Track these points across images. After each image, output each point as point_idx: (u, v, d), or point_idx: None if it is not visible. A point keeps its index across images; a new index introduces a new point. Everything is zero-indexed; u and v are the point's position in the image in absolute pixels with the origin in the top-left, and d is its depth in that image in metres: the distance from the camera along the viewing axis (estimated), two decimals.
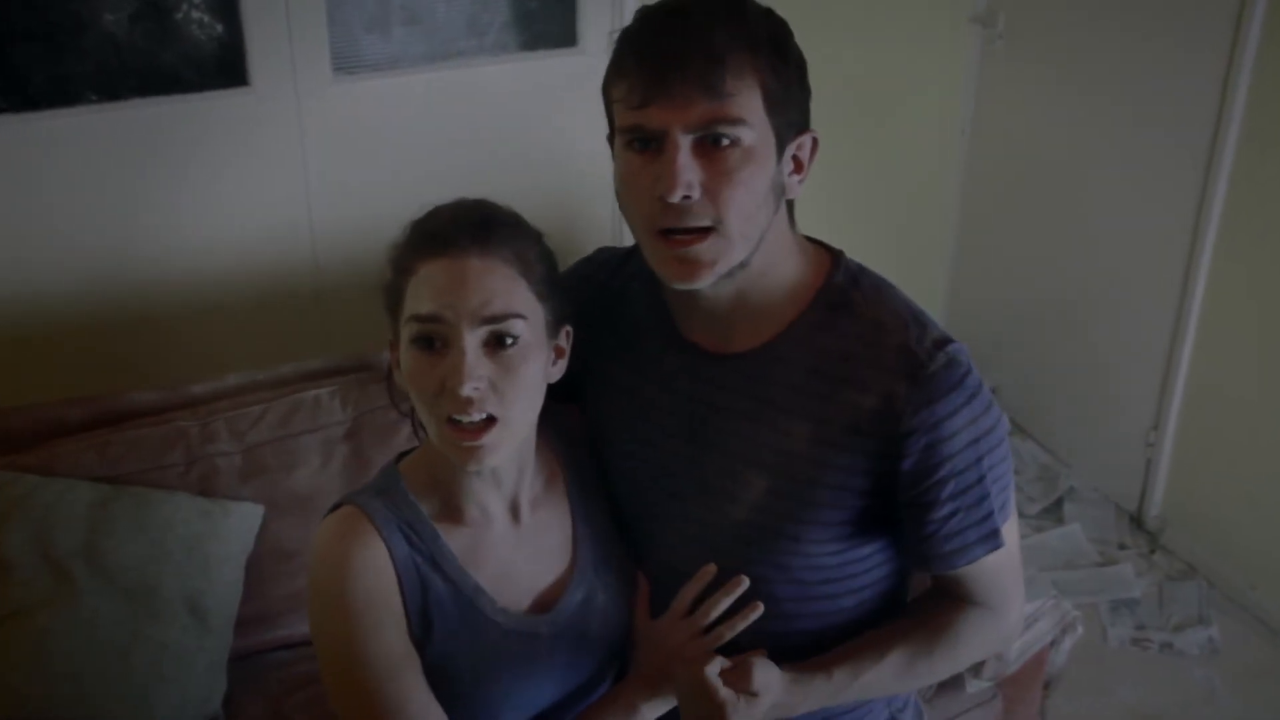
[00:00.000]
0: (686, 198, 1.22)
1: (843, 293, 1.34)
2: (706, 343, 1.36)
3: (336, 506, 1.34)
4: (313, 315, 2.97)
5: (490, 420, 1.25)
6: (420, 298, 1.26)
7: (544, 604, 1.37)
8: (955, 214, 3.75)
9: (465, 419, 1.24)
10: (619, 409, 1.42)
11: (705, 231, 1.24)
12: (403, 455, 1.41)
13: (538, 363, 1.28)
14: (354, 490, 1.37)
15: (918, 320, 1.32)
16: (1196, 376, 3.06)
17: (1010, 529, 1.37)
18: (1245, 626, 2.94)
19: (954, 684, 2.16)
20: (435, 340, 1.25)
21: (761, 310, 1.33)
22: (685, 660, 1.33)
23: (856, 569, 1.38)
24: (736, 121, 1.22)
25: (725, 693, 1.29)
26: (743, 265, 1.28)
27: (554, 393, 1.34)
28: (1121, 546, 3.19)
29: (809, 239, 1.40)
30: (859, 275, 1.37)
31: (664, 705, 1.39)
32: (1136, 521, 3.27)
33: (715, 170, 1.23)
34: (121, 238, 2.76)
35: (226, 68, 2.78)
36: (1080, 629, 2.27)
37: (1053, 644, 2.25)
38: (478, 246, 1.26)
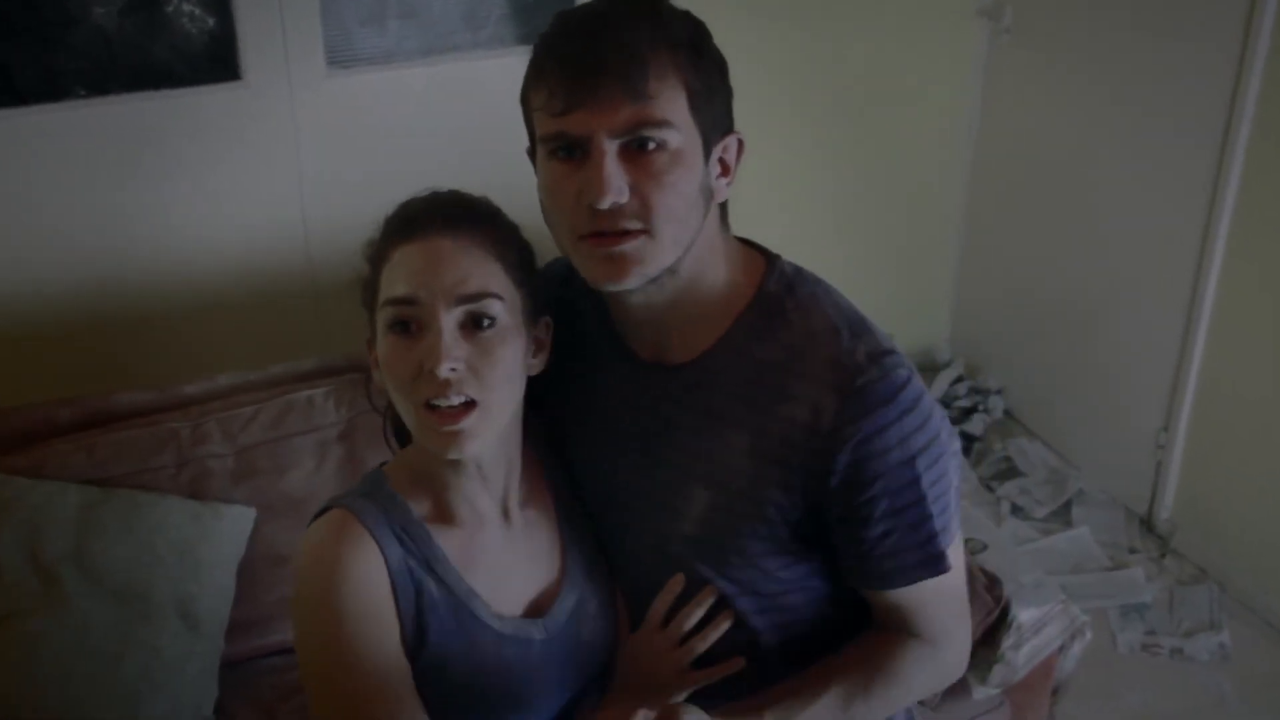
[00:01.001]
0: (616, 204, 1.21)
1: (776, 300, 1.32)
2: (648, 355, 1.36)
3: (323, 510, 1.33)
4: (306, 314, 2.97)
5: (469, 404, 1.24)
6: (395, 281, 1.26)
7: (537, 608, 1.37)
8: (961, 211, 3.75)
9: (443, 402, 1.23)
10: (575, 422, 1.42)
11: (634, 233, 1.23)
12: (384, 464, 1.40)
13: (516, 348, 1.28)
14: (339, 494, 1.36)
15: (854, 330, 1.30)
16: (1208, 376, 3.06)
17: (955, 554, 1.34)
18: (1257, 632, 2.94)
19: (961, 690, 2.16)
20: (411, 324, 1.25)
21: (696, 319, 1.32)
22: (658, 682, 1.34)
23: (815, 581, 1.37)
24: (662, 124, 1.21)
25: None
26: (671, 271, 1.27)
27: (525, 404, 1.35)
28: (1131, 550, 3.19)
29: (743, 241, 1.39)
30: (794, 281, 1.35)
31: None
32: (1146, 525, 3.27)
33: (643, 174, 1.22)
34: (111, 235, 2.76)
35: (218, 61, 2.78)
36: (1089, 634, 2.27)
37: (1061, 649, 2.25)
38: (451, 228, 1.27)
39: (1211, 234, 2.96)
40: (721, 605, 1.37)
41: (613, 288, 1.27)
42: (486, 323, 1.25)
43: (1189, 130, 2.98)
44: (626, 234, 1.23)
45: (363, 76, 2.90)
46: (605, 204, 1.21)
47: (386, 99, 2.92)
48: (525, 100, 1.29)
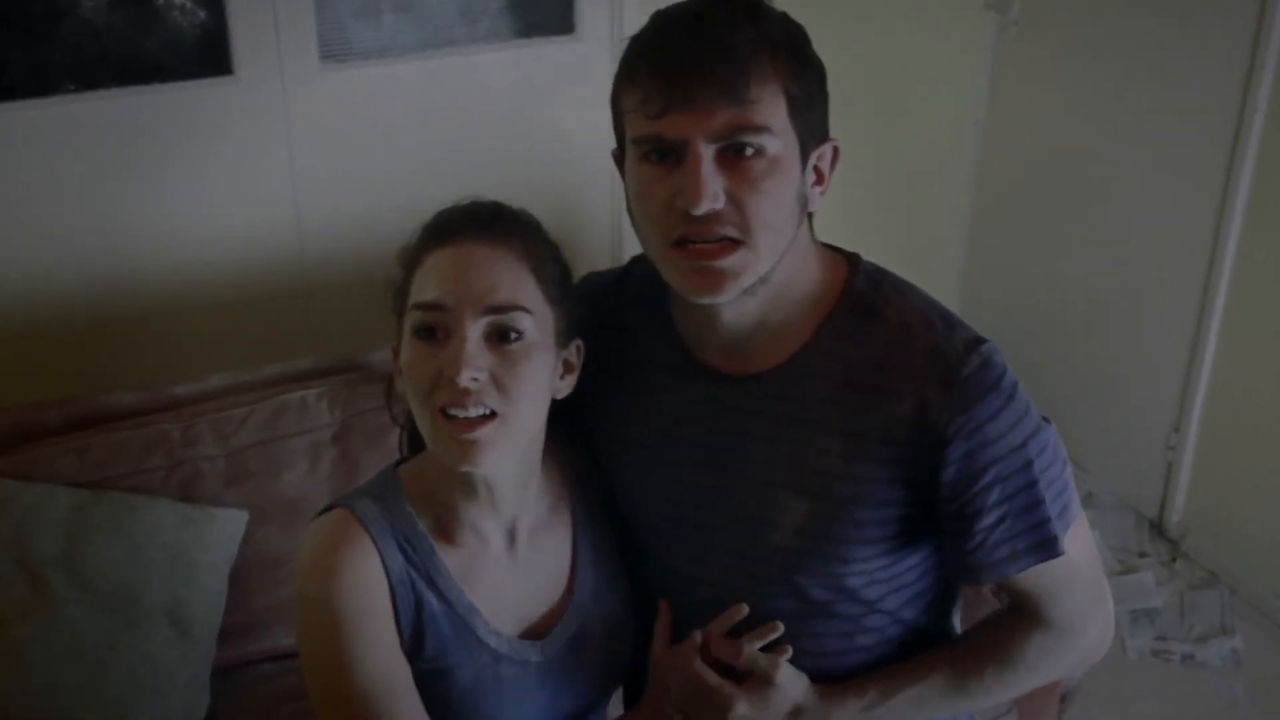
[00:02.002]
0: (712, 209, 1.20)
1: (865, 297, 1.32)
2: (724, 365, 1.34)
3: (329, 509, 1.33)
4: (300, 313, 2.97)
5: (489, 415, 1.24)
6: (424, 286, 1.26)
7: (537, 631, 1.37)
8: (968, 209, 3.75)
9: (460, 413, 1.23)
10: (628, 447, 1.40)
11: (732, 244, 1.22)
12: (401, 461, 1.40)
13: (543, 366, 1.27)
14: (347, 493, 1.36)
15: (946, 321, 1.31)
16: (1219, 377, 3.06)
17: (1076, 538, 1.33)
18: (1270, 637, 2.95)
19: None
20: (437, 330, 1.25)
21: (783, 325, 1.31)
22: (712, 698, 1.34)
23: (911, 575, 1.37)
24: (761, 129, 1.20)
25: (715, 680, 1.31)
26: (764, 280, 1.26)
27: (556, 423, 1.34)
28: (1141, 554, 3.20)
29: (823, 244, 1.39)
30: (879, 278, 1.35)
31: None
32: (1157, 528, 3.27)
33: (740, 180, 1.21)
34: (100, 233, 2.76)
35: (210, 56, 2.78)
36: None
37: None
38: (486, 234, 1.27)
39: (1223, 231, 2.96)
40: (804, 619, 1.36)
41: (708, 300, 1.25)
42: (514, 336, 1.24)
43: (1200, 125, 2.98)
44: (723, 248, 1.22)
45: (357, 71, 2.91)
46: (701, 209, 1.20)
47: (381, 94, 2.92)
48: (616, 101, 1.27)
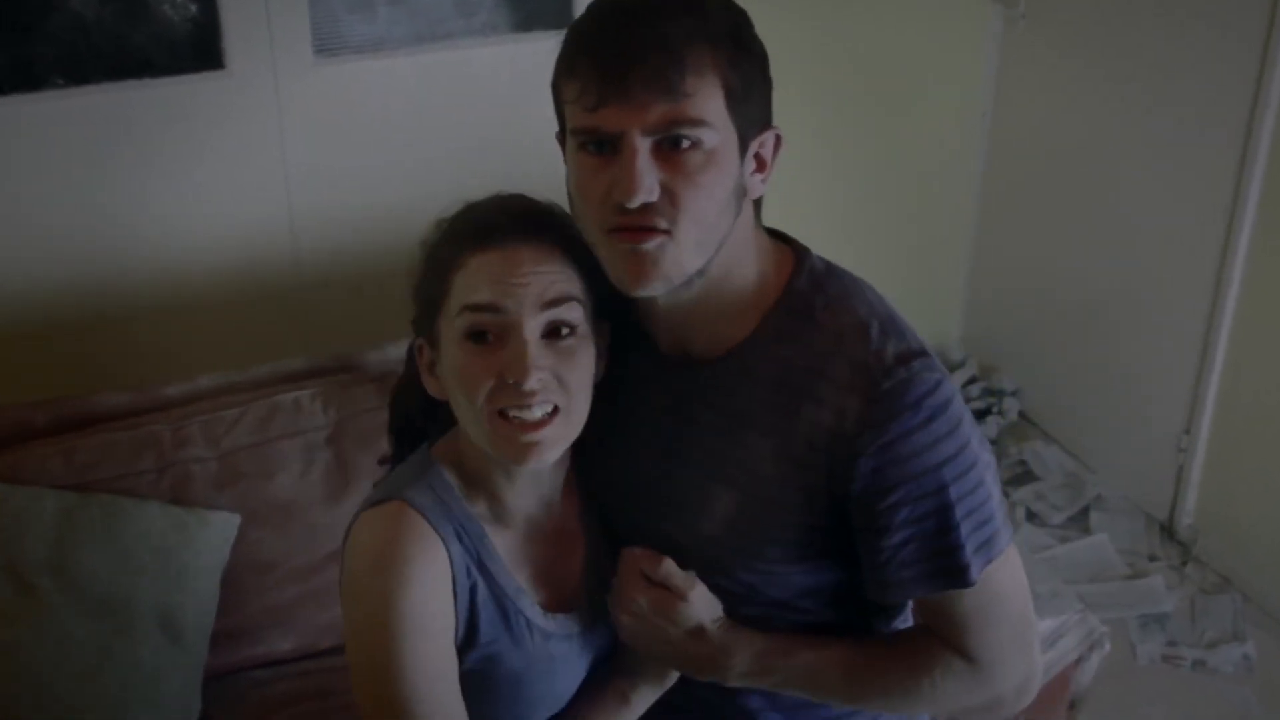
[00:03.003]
0: (646, 203, 1.22)
1: (804, 299, 1.33)
2: (674, 352, 1.38)
3: (380, 501, 1.34)
4: (293, 312, 2.97)
5: (553, 413, 1.28)
6: (474, 288, 1.28)
7: (572, 601, 1.41)
8: (974, 205, 3.75)
9: (526, 415, 1.26)
10: (600, 421, 1.43)
11: (659, 231, 1.24)
12: (430, 446, 1.42)
13: (591, 355, 1.32)
14: (392, 481, 1.37)
15: (884, 330, 1.31)
16: (1231, 377, 3.06)
17: (1001, 575, 1.33)
18: None
19: None
20: (489, 333, 1.28)
21: (722, 317, 1.33)
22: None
23: (830, 580, 1.38)
24: (697, 123, 1.22)
25: (637, 583, 1.36)
26: (700, 273, 1.28)
27: None
28: (1151, 558, 3.20)
29: (773, 233, 1.40)
30: (824, 278, 1.35)
31: (651, 691, 1.43)
32: (1167, 531, 3.27)
33: (675, 174, 1.23)
34: (89, 229, 2.76)
35: (201, 50, 2.78)
36: (1107, 646, 2.28)
37: (1078, 662, 2.25)
38: (531, 235, 1.30)
39: (1235, 228, 2.96)
40: (727, 613, 1.39)
41: (639, 293, 1.28)
42: (565, 330, 1.29)
43: (1212, 120, 2.98)
44: (652, 230, 1.24)
45: (351, 65, 2.90)
46: (635, 203, 1.22)
47: (376, 89, 2.92)
48: (556, 90, 1.29)
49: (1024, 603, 1.38)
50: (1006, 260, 3.73)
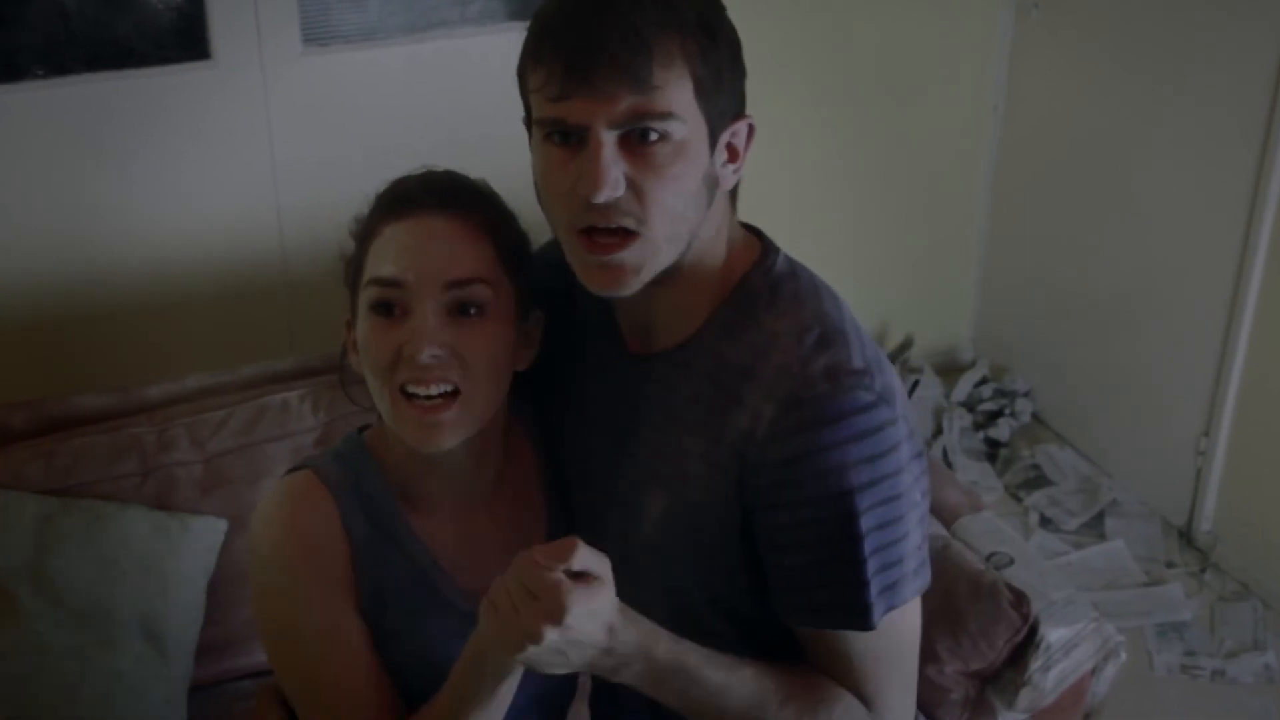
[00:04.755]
0: (611, 197, 1.21)
1: (752, 297, 1.31)
2: (633, 342, 1.38)
3: (293, 470, 1.39)
4: (281, 311, 2.97)
5: (452, 395, 1.27)
6: (381, 260, 1.29)
7: None
8: (986, 201, 3.75)
9: (422, 391, 1.26)
10: (563, 410, 1.45)
11: (628, 235, 1.24)
12: (364, 428, 1.44)
13: (504, 339, 1.31)
14: (311, 454, 1.42)
15: (825, 339, 1.26)
16: (1252, 377, 3.06)
17: (901, 621, 1.29)
18: None
19: (986, 713, 2.16)
20: (394, 306, 1.28)
21: (680, 309, 1.33)
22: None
23: (749, 606, 1.34)
24: (665, 115, 1.21)
25: (557, 575, 1.14)
26: (674, 266, 1.27)
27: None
28: (1169, 565, 3.19)
29: (749, 228, 1.39)
30: (780, 278, 1.33)
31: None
32: (1185, 537, 3.27)
33: (642, 167, 1.22)
34: (70, 225, 2.76)
35: (186, 39, 2.78)
36: (1124, 655, 2.27)
37: (1093, 672, 2.25)
38: (445, 208, 1.30)
39: (1256, 222, 2.96)
40: (658, 618, 1.29)
41: (609, 294, 1.28)
42: (473, 310, 1.28)
43: (1231, 111, 2.98)
44: (621, 239, 1.23)
45: (341, 55, 2.90)
46: (601, 198, 1.21)
47: (367, 80, 2.92)
48: (521, 77, 1.29)
49: (915, 649, 1.35)
50: (1019, 257, 3.73)
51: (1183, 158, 3.14)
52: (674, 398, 1.32)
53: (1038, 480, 3.46)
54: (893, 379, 1.30)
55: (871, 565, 1.24)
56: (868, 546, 1.24)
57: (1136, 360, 3.37)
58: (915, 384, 3.65)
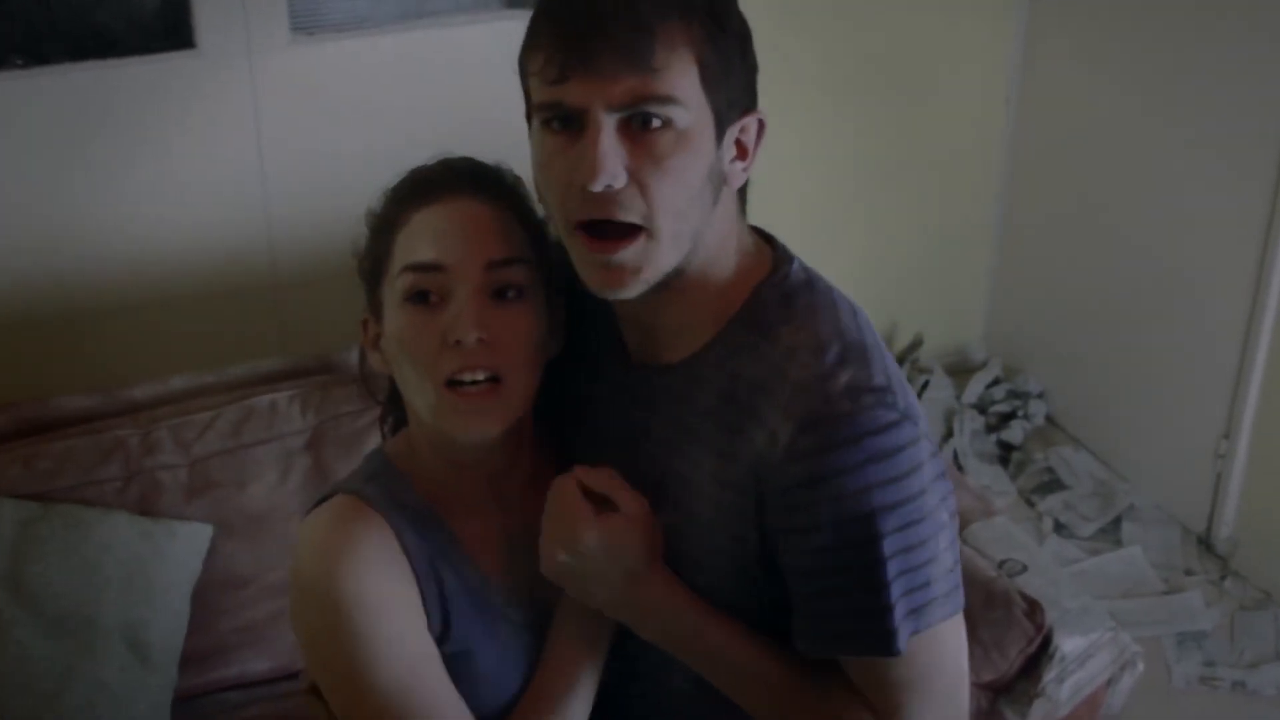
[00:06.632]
0: (610, 187, 1.20)
1: (768, 311, 1.30)
2: (638, 353, 1.37)
3: (324, 499, 1.35)
4: (268, 309, 2.97)
5: (494, 382, 1.28)
6: (416, 246, 1.30)
7: (548, 594, 1.39)
8: (998, 195, 3.75)
9: (470, 376, 1.27)
10: (571, 422, 1.44)
11: (633, 232, 1.23)
12: (381, 446, 1.43)
13: (538, 323, 1.32)
14: (340, 481, 1.38)
15: (844, 356, 1.25)
16: (1273, 378, 3.06)
17: (933, 646, 1.27)
18: None
19: None
20: (431, 294, 1.29)
21: (688, 320, 1.32)
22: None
23: (767, 628, 1.34)
24: (668, 100, 1.20)
25: (586, 501, 1.31)
26: (678, 271, 1.27)
27: None
28: (1188, 572, 3.19)
29: (759, 232, 1.38)
30: (795, 290, 1.31)
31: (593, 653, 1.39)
32: (1205, 544, 3.27)
33: (644, 156, 1.21)
34: (50, 220, 2.76)
35: (170, 28, 2.78)
36: (1141, 666, 2.27)
37: (1109, 682, 2.25)
38: (477, 190, 1.32)
39: (1277, 219, 2.96)
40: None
41: (611, 296, 1.27)
42: (512, 293, 1.29)
43: (1252, 101, 2.98)
44: (624, 237, 1.23)
45: (331, 44, 2.90)
46: (598, 185, 1.20)
47: (357, 69, 2.92)
48: (522, 64, 1.29)
49: (957, 677, 1.32)
50: (1032, 254, 3.73)
51: (1203, 151, 3.14)
52: (684, 413, 1.31)
53: (1052, 484, 3.46)
54: (913, 395, 1.29)
55: (896, 589, 1.23)
56: (891, 570, 1.23)
57: (1154, 360, 3.37)
58: (925, 385, 3.66)
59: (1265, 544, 3.15)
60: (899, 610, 1.24)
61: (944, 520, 1.27)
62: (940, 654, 1.29)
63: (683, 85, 1.21)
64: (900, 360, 3.66)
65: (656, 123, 1.21)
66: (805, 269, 1.34)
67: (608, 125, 1.20)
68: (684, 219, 1.24)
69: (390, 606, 1.28)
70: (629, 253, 1.23)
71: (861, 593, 1.24)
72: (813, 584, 1.26)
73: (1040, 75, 3.57)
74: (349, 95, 2.92)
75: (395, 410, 1.45)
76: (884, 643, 1.24)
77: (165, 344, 2.86)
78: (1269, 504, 3.14)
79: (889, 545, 1.22)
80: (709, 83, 1.23)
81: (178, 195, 2.84)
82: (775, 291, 1.31)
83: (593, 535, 1.30)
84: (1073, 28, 3.45)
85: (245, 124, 2.86)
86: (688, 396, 1.31)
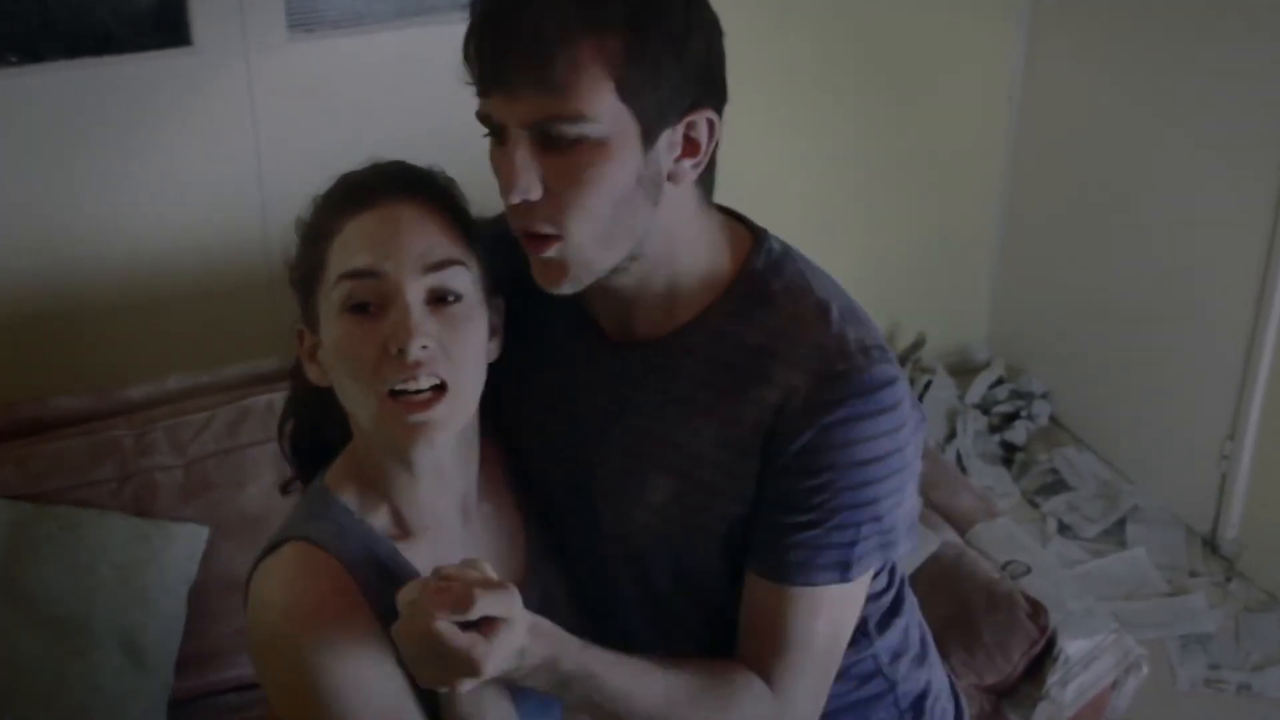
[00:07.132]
0: (525, 200, 1.24)
1: (761, 282, 1.36)
2: (613, 331, 1.40)
3: (271, 549, 1.32)
4: (264, 308, 2.97)
5: (440, 390, 1.26)
6: (351, 254, 1.28)
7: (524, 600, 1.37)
8: (1001, 192, 3.75)
9: (413, 386, 1.25)
10: (534, 404, 1.45)
11: (547, 238, 1.26)
12: (321, 477, 1.39)
13: (480, 327, 1.31)
14: (289, 521, 1.35)
15: (845, 315, 1.34)
16: (1278, 380, 3.06)
17: (839, 609, 1.36)
18: None
19: None
20: (369, 303, 1.27)
21: (668, 300, 1.36)
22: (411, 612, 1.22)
23: (730, 607, 1.38)
24: (576, 118, 1.22)
25: (463, 638, 1.17)
26: (624, 267, 1.30)
27: None
28: (1193, 574, 3.19)
29: (728, 213, 1.41)
30: (781, 262, 1.38)
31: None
32: (1210, 545, 3.27)
33: (559, 170, 1.24)
34: (45, 219, 2.76)
35: (166, 25, 2.78)
36: (1145, 668, 2.27)
37: (1114, 685, 2.25)
38: (411, 194, 1.31)
39: None
40: (652, 608, 1.41)
41: (556, 291, 1.31)
42: (452, 298, 1.28)
43: (1257, 101, 2.98)
44: (544, 241, 1.26)
45: (328, 42, 2.90)
46: (513, 199, 1.24)
47: (355, 67, 2.92)
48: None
49: (839, 647, 1.39)
50: (1036, 253, 3.73)
51: (1206, 151, 3.14)
52: (674, 383, 1.35)
53: (1056, 485, 3.46)
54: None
55: (864, 528, 1.33)
56: (871, 513, 1.32)
57: (1159, 360, 3.37)
58: (928, 385, 3.66)
59: (1270, 545, 3.15)
60: (860, 543, 1.33)
61: (917, 468, 1.38)
62: (843, 621, 1.38)
63: (593, 100, 1.22)
64: (903, 360, 3.66)
65: (567, 139, 1.23)
66: (780, 240, 1.40)
67: (523, 141, 1.23)
68: (611, 223, 1.27)
69: (359, 657, 1.26)
70: (549, 254, 1.27)
71: (839, 531, 1.32)
72: (798, 517, 1.31)
73: (1042, 74, 3.57)
74: (347, 93, 2.92)
75: (304, 465, 1.43)
76: (842, 570, 1.33)
77: (161, 344, 2.86)
78: (1274, 505, 3.14)
79: (872, 494, 1.31)
80: (629, 93, 1.23)
81: (174, 194, 2.84)
82: (764, 262, 1.37)
83: (494, 659, 1.20)
84: (1074, 27, 3.45)
85: (242, 122, 2.86)
86: (678, 366, 1.35)
